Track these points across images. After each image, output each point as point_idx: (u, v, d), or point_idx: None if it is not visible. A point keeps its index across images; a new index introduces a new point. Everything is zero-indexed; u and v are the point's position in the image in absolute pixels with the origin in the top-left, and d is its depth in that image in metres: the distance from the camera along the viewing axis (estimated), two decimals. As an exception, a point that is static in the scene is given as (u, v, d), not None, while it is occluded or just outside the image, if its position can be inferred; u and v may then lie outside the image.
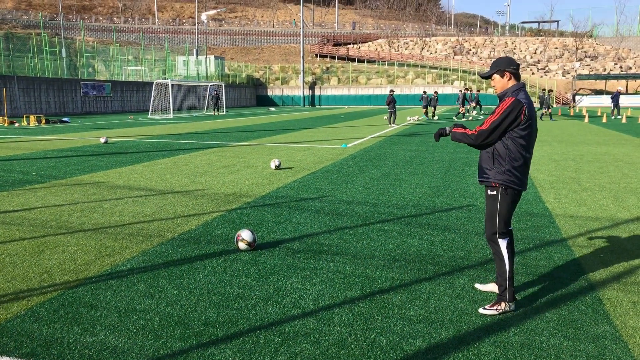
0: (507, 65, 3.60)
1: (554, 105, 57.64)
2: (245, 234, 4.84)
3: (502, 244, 3.62)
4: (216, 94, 39.99)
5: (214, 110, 40.87)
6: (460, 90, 31.69)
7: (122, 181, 8.80)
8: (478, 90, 31.08)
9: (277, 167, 10.03)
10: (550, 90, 32.05)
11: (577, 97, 43.07)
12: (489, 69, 3.72)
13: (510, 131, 3.48)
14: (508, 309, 3.55)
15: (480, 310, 3.57)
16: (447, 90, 61.71)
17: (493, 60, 3.77)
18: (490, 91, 60.28)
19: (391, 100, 24.16)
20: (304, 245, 5.05)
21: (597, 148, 14.11)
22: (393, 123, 24.23)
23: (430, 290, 3.93)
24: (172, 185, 8.41)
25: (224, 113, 40.33)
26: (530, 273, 4.30)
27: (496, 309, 3.54)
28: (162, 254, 4.78)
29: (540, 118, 29.24)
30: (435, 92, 32.84)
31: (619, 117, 30.81)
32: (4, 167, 10.57)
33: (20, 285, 4.00)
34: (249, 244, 4.82)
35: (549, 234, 5.48)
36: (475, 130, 3.57)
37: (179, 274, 4.27)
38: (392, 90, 25.47)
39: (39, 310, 3.54)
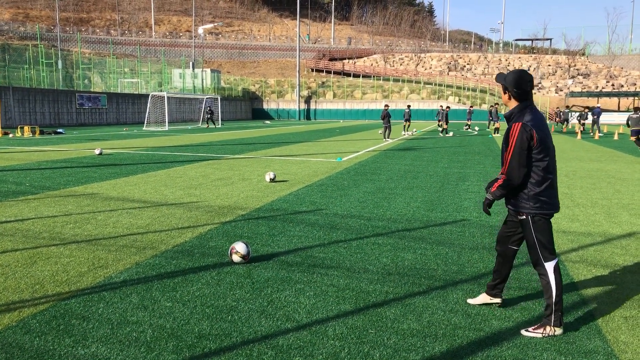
0: (511, 84, 3.35)
1: (548, 122, 58.13)
2: (240, 247, 4.84)
3: (549, 267, 3.45)
4: (210, 109, 39.94)
5: (207, 124, 40.76)
6: (492, 106, 31.60)
7: (116, 193, 8.78)
8: (449, 107, 31.10)
9: (272, 180, 10.05)
10: (497, 104, 32.03)
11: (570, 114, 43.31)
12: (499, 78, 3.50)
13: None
14: (552, 333, 3.39)
15: (523, 332, 3.43)
16: (434, 105, 62.15)
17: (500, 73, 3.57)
18: (484, 107, 60.78)
19: (386, 115, 24.31)
20: (298, 259, 5.05)
21: (589, 164, 14.23)
22: (388, 137, 24.36)
23: (424, 304, 3.94)
24: (167, 197, 8.40)
25: (220, 126, 40.31)
26: (523, 287, 4.32)
27: (541, 333, 3.40)
28: (155, 266, 4.76)
29: (494, 133, 29.43)
30: (448, 107, 32.35)
31: (593, 133, 30.76)
32: (-3, 177, 10.52)
33: (12, 297, 3.98)
34: (243, 257, 4.81)
35: (542, 249, 5.50)
36: (504, 175, 3.41)
37: (172, 286, 4.26)
38: (387, 105, 25.62)
39: (30, 322, 3.52)
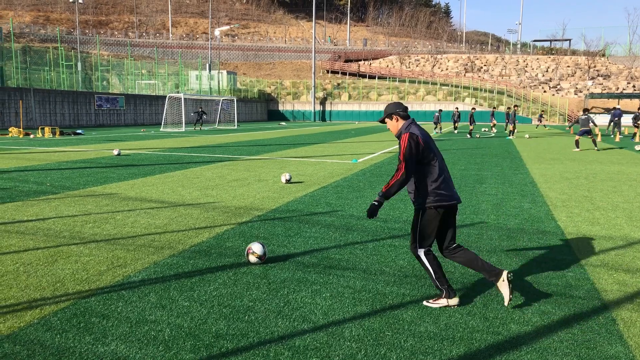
0: (393, 110, 4.11)
1: (567, 123, 57.33)
2: (256, 247, 4.86)
3: (421, 253, 4.01)
4: (201, 110, 39.00)
5: (195, 126, 39.75)
6: (508, 108, 31.25)
7: (134, 193, 8.89)
8: (508, 108, 30.73)
9: (288, 181, 10.07)
10: (516, 106, 31.54)
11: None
12: (384, 115, 4.19)
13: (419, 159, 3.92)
14: (447, 304, 3.90)
15: (424, 303, 3.96)
16: (450, 107, 61.78)
17: (386, 106, 4.24)
18: (501, 108, 60.14)
19: None
20: (314, 260, 5.05)
21: (610, 167, 14.00)
22: None
23: (441, 307, 3.91)
24: (184, 197, 8.47)
25: (237, 127, 40.23)
26: (542, 291, 4.27)
27: (438, 304, 3.92)
28: (173, 266, 4.81)
29: (510, 135, 29.06)
30: (474, 109, 32.33)
31: (611, 135, 30.37)
32: (19, 177, 10.73)
33: (34, 294, 4.05)
34: (259, 257, 4.84)
35: (561, 253, 5.43)
36: (399, 171, 3.91)
37: (189, 285, 4.29)
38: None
39: (51, 320, 3.57)
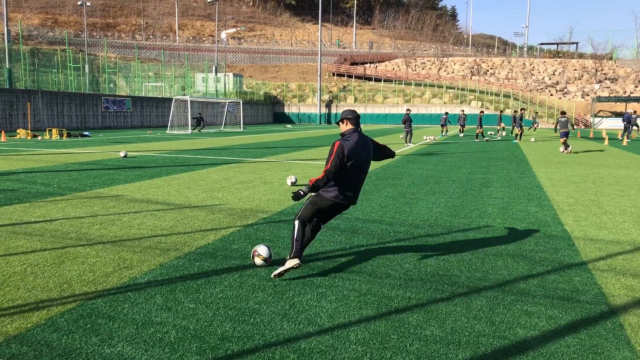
0: (346, 115, 4.86)
1: (574, 129, 57.05)
2: (262, 250, 4.86)
3: (296, 223, 4.73)
4: (200, 116, 38.42)
5: (195, 128, 38.81)
6: (515, 111, 31.06)
7: (140, 195, 8.92)
8: (482, 112, 30.58)
9: (294, 184, 10.08)
10: (523, 109, 31.18)
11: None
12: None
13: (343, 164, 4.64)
14: (291, 265, 4.51)
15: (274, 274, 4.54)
16: (456, 110, 61.69)
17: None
18: (507, 112, 59.94)
19: (407, 119, 24.16)
20: (320, 262, 5.05)
21: (617, 171, 13.91)
22: (409, 142, 24.22)
23: (446, 310, 3.90)
24: (190, 199, 8.50)
25: (242, 129, 40.02)
26: (549, 296, 4.24)
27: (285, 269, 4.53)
28: (179, 268, 4.82)
29: (516, 138, 28.90)
30: (482, 112, 32.31)
31: (620, 139, 30.23)
32: (26, 179, 10.80)
33: (41, 295, 4.07)
34: (265, 260, 4.84)
35: (569, 257, 5.40)
36: (322, 174, 4.64)
37: (195, 288, 4.30)
38: (408, 109, 25.52)
39: (58, 321, 3.59)
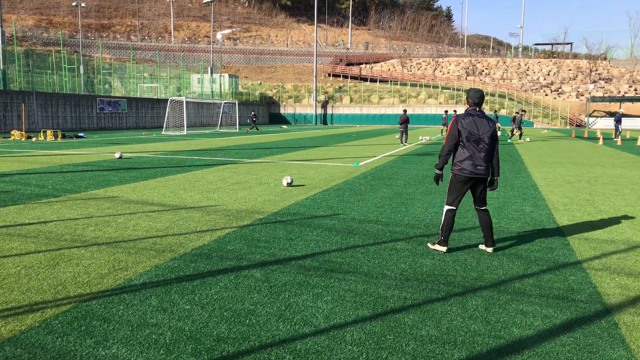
0: (468, 94, 5.54)
1: (568, 127, 57.33)
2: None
3: (445, 209, 5.56)
4: (253, 114, 38.29)
5: (250, 128, 38.82)
6: (517, 112, 31.03)
7: (136, 196, 8.90)
8: (516, 113, 30.40)
9: (289, 185, 10.07)
10: (523, 111, 31.12)
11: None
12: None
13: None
14: (437, 248, 5.54)
15: (429, 245, 5.65)
16: (442, 110, 61.81)
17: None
18: (503, 112, 60.16)
19: (404, 120, 24.22)
20: (316, 263, 5.05)
21: (612, 170, 13.97)
22: (405, 142, 24.26)
23: (442, 310, 3.90)
24: (185, 200, 8.48)
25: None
26: (544, 295, 4.26)
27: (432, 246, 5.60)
28: (174, 269, 4.81)
29: (511, 137, 29.10)
30: (455, 111, 32.47)
31: (615, 139, 30.45)
32: (20, 180, 10.75)
33: (35, 297, 4.05)
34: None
35: (563, 256, 5.42)
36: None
37: (191, 289, 4.29)
38: (405, 110, 25.59)
39: (53, 323, 3.57)
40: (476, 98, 5.46)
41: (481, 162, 5.38)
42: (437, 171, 5.74)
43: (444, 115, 34.97)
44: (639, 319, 3.80)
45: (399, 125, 24.82)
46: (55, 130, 31.73)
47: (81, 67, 46.29)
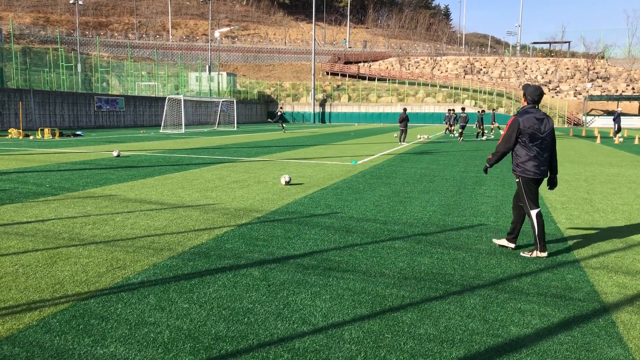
0: (526, 90, 5.32)
1: (566, 125, 57.40)
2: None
3: (533, 214, 5.28)
4: (280, 111, 37.14)
5: (280, 125, 37.87)
6: (485, 110, 31.08)
7: (134, 194, 8.88)
8: (483, 111, 30.44)
9: (287, 183, 10.07)
10: (483, 111, 31.22)
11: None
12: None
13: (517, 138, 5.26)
14: (538, 255, 5.26)
15: (521, 254, 5.36)
16: (440, 108, 61.86)
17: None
18: (501, 110, 60.24)
19: (404, 118, 24.20)
20: (314, 262, 5.05)
21: (609, 169, 14.00)
22: (403, 141, 24.27)
23: (440, 309, 3.91)
24: (183, 199, 8.47)
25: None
26: (542, 294, 4.26)
27: (529, 254, 5.30)
28: (172, 268, 4.80)
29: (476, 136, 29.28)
30: (483, 111, 32.35)
31: (613, 137, 30.50)
32: (18, 179, 10.73)
33: (33, 296, 4.04)
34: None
35: (561, 255, 5.43)
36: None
37: (189, 287, 4.29)
38: (405, 109, 25.57)
39: (51, 321, 3.57)
40: (535, 95, 5.22)
41: (544, 163, 5.20)
42: (487, 165, 5.66)
43: (447, 114, 33.71)
44: (636, 317, 3.81)
45: (398, 124, 24.80)
46: (52, 128, 31.65)
47: (79, 65, 46.17)
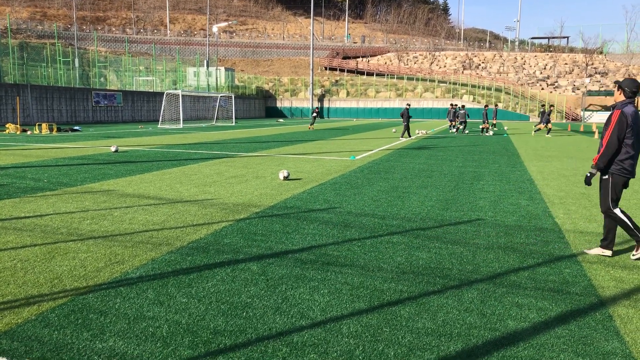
0: (623, 83, 4.98)
1: (564, 121, 57.44)
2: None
3: (617, 212, 5.03)
4: (317, 110, 36.01)
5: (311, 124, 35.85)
6: (543, 105, 30.71)
7: (132, 189, 8.88)
8: (487, 106, 30.28)
9: (286, 178, 10.07)
10: (552, 106, 31.15)
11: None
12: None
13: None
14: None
15: (632, 257, 5.08)
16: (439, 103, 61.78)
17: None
18: (500, 106, 60.19)
19: (402, 114, 24.18)
20: (312, 256, 5.05)
21: (607, 164, 14.01)
22: (401, 137, 24.27)
23: (438, 303, 3.92)
24: (182, 194, 8.47)
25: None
26: (539, 288, 4.28)
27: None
28: (171, 262, 4.81)
29: (547, 133, 29.03)
30: (455, 105, 32.08)
31: None
32: (16, 174, 10.70)
33: (31, 291, 4.04)
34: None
35: (559, 249, 5.45)
36: (603, 147, 4.93)
37: (187, 282, 4.29)
38: (408, 104, 25.53)
39: (49, 316, 3.57)
40: (634, 87, 4.92)
41: (637, 161, 4.94)
42: (593, 170, 5.07)
43: (450, 109, 32.07)
44: (633, 311, 3.83)
45: (402, 119, 24.78)
46: (50, 123, 31.57)
47: (76, 60, 46.01)
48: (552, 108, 30.28)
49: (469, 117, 30.92)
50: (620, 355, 3.15)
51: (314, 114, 35.38)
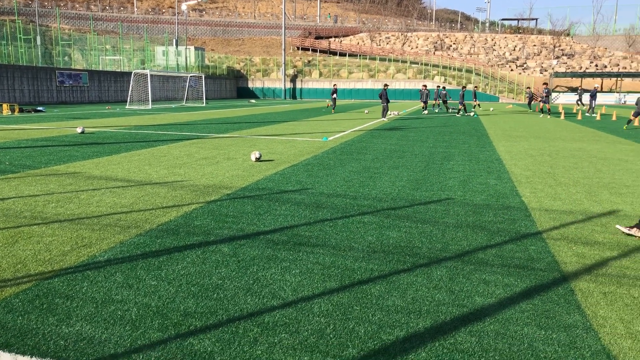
0: None
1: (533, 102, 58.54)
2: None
3: None
4: (334, 93, 31.32)
5: (332, 108, 32.29)
6: (545, 84, 30.53)
7: (99, 172, 8.67)
8: (464, 87, 30.47)
9: (258, 160, 9.99)
10: (545, 83, 31.17)
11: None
12: None
13: None
14: None
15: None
16: (410, 84, 62.15)
17: None
18: (470, 87, 60.85)
19: (380, 95, 24.25)
20: (284, 237, 5.05)
21: (572, 144, 14.40)
22: (383, 117, 24.37)
23: (408, 281, 3.98)
24: (151, 176, 8.31)
25: (205, 105, 37.94)
26: (505, 265, 4.39)
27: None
28: (140, 245, 4.73)
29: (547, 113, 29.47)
30: (425, 86, 32.23)
31: (594, 114, 31.37)
32: (-24, 156, 10.30)
33: (-6, 276, 3.92)
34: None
35: (525, 227, 5.59)
36: None
37: (157, 265, 4.24)
38: (386, 85, 25.53)
39: (13, 301, 3.48)
40: None
41: None
42: None
43: (421, 90, 31.57)
44: (594, 285, 3.98)
45: (380, 100, 24.91)
46: (12, 104, 30.39)
47: (38, 38, 44.23)
48: (546, 85, 30.32)
49: (449, 97, 31.26)
50: (581, 327, 3.27)
51: (334, 95, 31.19)
